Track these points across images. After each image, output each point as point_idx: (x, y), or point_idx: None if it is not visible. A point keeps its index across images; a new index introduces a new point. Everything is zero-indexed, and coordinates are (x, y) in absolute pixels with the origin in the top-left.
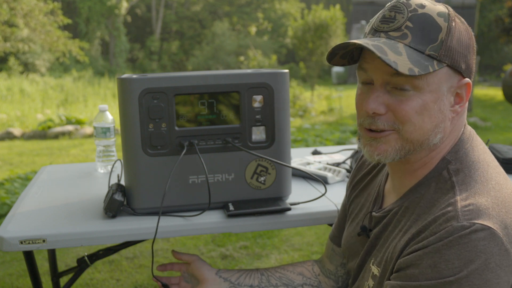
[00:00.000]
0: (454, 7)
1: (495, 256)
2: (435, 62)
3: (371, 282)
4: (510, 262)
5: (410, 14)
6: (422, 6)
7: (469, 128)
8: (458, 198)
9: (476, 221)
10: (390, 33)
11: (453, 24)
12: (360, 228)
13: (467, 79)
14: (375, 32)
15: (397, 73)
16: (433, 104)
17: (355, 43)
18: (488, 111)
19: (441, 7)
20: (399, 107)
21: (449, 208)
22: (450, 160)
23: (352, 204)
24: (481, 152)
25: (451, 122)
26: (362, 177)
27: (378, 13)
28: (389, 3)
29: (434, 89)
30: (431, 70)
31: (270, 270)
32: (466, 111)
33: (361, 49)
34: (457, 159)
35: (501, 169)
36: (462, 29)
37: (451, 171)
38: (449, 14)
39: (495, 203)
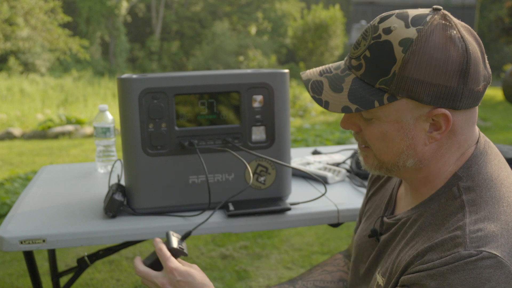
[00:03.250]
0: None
1: (501, 284)
2: (385, 96)
3: None
4: None
5: (372, 42)
6: (388, 31)
7: (484, 140)
8: (467, 221)
9: (483, 249)
10: (352, 60)
11: (415, 52)
12: (371, 231)
13: (441, 110)
14: (347, 55)
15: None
16: (396, 132)
17: (306, 76)
18: (488, 111)
19: (410, 32)
20: (364, 130)
21: (458, 233)
22: (462, 176)
23: (369, 202)
24: (495, 168)
25: (441, 145)
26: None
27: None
28: (368, 25)
29: (394, 119)
30: (377, 105)
31: (303, 278)
32: (475, 131)
33: None
34: (468, 175)
35: None
36: (435, 52)
37: (461, 188)
38: (413, 41)
39: (504, 229)
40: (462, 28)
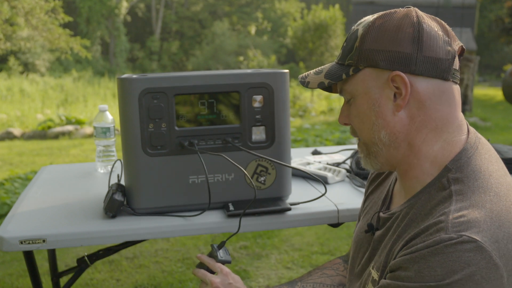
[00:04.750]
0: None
1: (481, 269)
2: (351, 69)
3: (370, 287)
4: (499, 276)
5: (348, 36)
6: (359, 23)
7: (475, 136)
8: (452, 208)
9: (464, 233)
10: (340, 53)
11: (371, 28)
12: (367, 226)
13: (395, 71)
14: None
15: (340, 92)
16: (366, 104)
17: (301, 76)
18: (488, 111)
19: (372, 18)
20: (349, 115)
21: (441, 218)
22: (451, 168)
23: (367, 200)
24: (484, 161)
25: (412, 117)
26: (378, 173)
27: None
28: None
29: (363, 91)
30: (344, 77)
31: (302, 280)
32: (457, 116)
33: None
34: (458, 167)
35: (506, 179)
36: (389, 26)
37: (450, 179)
38: (371, 22)
39: (488, 216)
40: (423, 14)
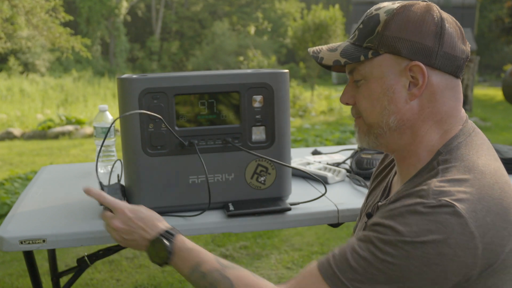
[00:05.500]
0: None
1: (456, 234)
2: (370, 52)
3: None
4: (473, 246)
5: (365, 18)
6: (379, 8)
7: (472, 126)
8: (435, 180)
9: (442, 198)
10: (352, 33)
11: (396, 16)
12: (366, 216)
13: (415, 61)
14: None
15: (349, 72)
16: (379, 88)
17: (312, 50)
18: (488, 111)
19: (395, 5)
20: (357, 96)
21: (423, 187)
22: (442, 152)
23: (370, 195)
24: (475, 146)
25: (421, 106)
26: (381, 170)
27: None
28: None
29: (378, 75)
30: (362, 59)
31: None
32: (460, 110)
33: None
34: (448, 151)
35: (495, 163)
36: (413, 17)
37: (440, 161)
38: (395, 9)
39: (469, 189)
40: (442, 11)
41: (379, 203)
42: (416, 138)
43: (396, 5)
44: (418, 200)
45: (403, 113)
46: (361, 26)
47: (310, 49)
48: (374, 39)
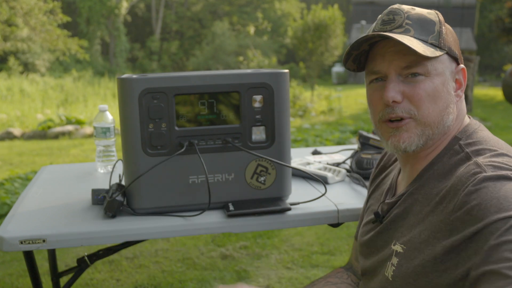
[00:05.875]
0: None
1: None
2: (437, 49)
3: (394, 260)
4: None
5: (406, 15)
6: (413, 9)
7: (474, 119)
8: (477, 159)
9: (503, 173)
10: (394, 30)
11: (442, 19)
12: (374, 215)
13: (461, 65)
14: (376, 32)
15: (407, 67)
16: (442, 87)
17: (373, 35)
18: (488, 111)
19: (427, 10)
20: (413, 91)
21: (472, 167)
22: (461, 137)
23: (369, 200)
24: (489, 133)
25: (456, 107)
26: (379, 172)
27: (376, 21)
28: (384, 11)
29: (440, 73)
30: (437, 54)
31: None
32: (464, 100)
33: (367, 54)
34: (467, 136)
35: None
36: (447, 25)
37: (463, 145)
38: (436, 13)
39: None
40: None
41: (387, 200)
42: (445, 134)
43: (430, 10)
44: (479, 176)
45: (455, 113)
46: (409, 21)
47: (383, 34)
48: (437, 37)
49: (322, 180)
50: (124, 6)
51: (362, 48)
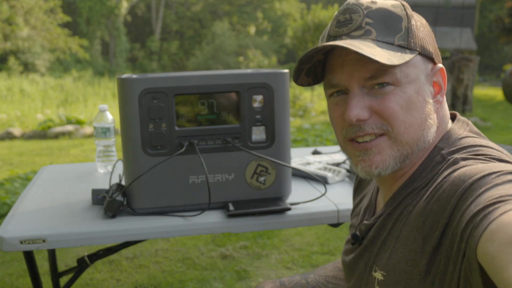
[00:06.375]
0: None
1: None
2: (407, 51)
3: None
4: None
5: (365, 11)
6: (374, 2)
7: (463, 118)
8: (461, 163)
9: (483, 158)
10: (352, 33)
11: (410, 12)
12: (351, 237)
13: (439, 64)
14: (334, 38)
15: (371, 77)
16: (417, 95)
17: (324, 46)
18: (488, 111)
19: (392, 1)
20: (383, 105)
21: (454, 166)
22: (442, 147)
23: (353, 211)
24: (474, 135)
25: (437, 114)
26: (359, 182)
27: (331, 21)
28: (341, 7)
29: (413, 79)
30: (407, 59)
31: (315, 272)
32: (446, 104)
33: (323, 64)
34: (450, 144)
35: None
36: (417, 17)
37: (445, 154)
38: (402, 4)
39: (495, 150)
40: None
41: (365, 221)
42: (424, 151)
43: (395, 0)
44: (461, 163)
45: (435, 123)
46: (369, 20)
47: (333, 44)
48: (405, 35)
49: (322, 180)
50: (124, 6)
51: (315, 59)
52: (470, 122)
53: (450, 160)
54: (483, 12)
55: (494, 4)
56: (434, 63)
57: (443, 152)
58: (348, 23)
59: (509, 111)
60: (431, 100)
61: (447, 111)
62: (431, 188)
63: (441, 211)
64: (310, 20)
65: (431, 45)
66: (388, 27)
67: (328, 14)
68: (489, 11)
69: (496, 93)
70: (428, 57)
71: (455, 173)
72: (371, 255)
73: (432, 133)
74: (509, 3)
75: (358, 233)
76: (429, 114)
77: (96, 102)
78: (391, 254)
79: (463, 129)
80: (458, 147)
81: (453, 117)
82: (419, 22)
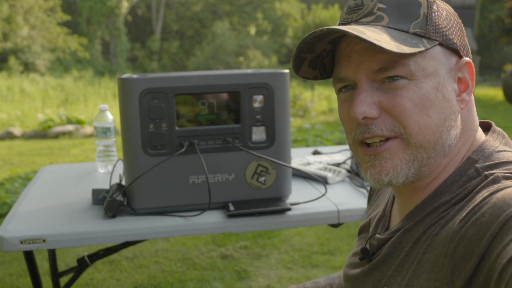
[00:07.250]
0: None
1: None
2: (424, 40)
3: None
4: None
5: None
6: None
7: (497, 129)
8: (504, 182)
9: None
10: (361, 20)
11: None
12: (361, 251)
13: (466, 58)
14: (342, 26)
15: (381, 69)
16: (435, 92)
17: (320, 30)
18: (488, 111)
19: None
20: (393, 102)
21: (496, 185)
22: (477, 159)
23: (364, 222)
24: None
25: (461, 116)
26: (375, 194)
27: (343, 9)
28: None
29: (431, 72)
30: (422, 47)
31: (328, 278)
32: (474, 106)
33: (333, 56)
34: (485, 157)
35: None
36: (442, 4)
37: (480, 169)
38: None
39: None
40: None
41: (377, 235)
42: (448, 156)
43: None
44: (501, 184)
45: (458, 127)
46: (382, 5)
47: (333, 28)
48: (423, 23)
49: (322, 180)
50: (125, 6)
51: (320, 49)
52: (506, 135)
53: (490, 178)
54: (483, 12)
55: (494, 4)
56: (460, 57)
57: (477, 166)
58: (358, 8)
59: (509, 111)
60: (453, 99)
61: (475, 115)
62: (469, 209)
63: (478, 238)
64: (310, 20)
65: (457, 36)
66: (404, 13)
67: (328, 14)
68: (489, 11)
69: (496, 93)
70: (452, 48)
71: (498, 194)
72: (383, 275)
73: (453, 137)
74: (509, 3)
75: (368, 247)
76: (450, 114)
77: (96, 102)
78: (411, 280)
79: (499, 141)
80: (495, 161)
81: (488, 126)
82: (443, 10)
